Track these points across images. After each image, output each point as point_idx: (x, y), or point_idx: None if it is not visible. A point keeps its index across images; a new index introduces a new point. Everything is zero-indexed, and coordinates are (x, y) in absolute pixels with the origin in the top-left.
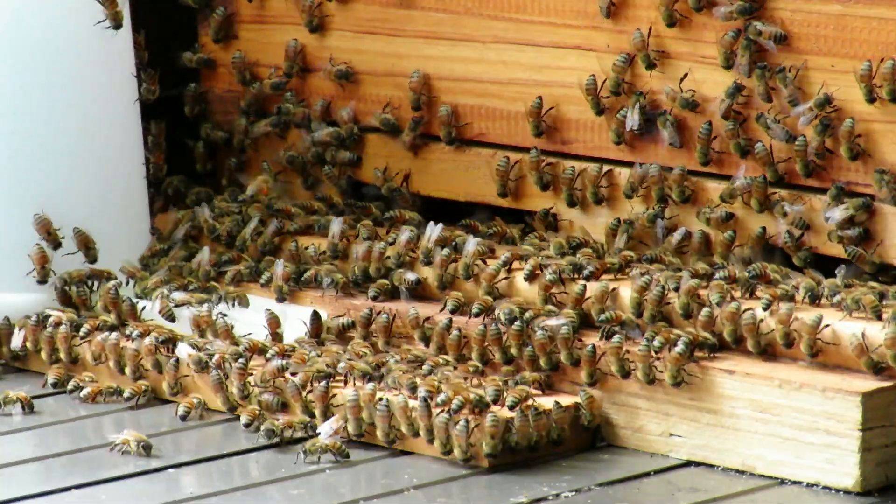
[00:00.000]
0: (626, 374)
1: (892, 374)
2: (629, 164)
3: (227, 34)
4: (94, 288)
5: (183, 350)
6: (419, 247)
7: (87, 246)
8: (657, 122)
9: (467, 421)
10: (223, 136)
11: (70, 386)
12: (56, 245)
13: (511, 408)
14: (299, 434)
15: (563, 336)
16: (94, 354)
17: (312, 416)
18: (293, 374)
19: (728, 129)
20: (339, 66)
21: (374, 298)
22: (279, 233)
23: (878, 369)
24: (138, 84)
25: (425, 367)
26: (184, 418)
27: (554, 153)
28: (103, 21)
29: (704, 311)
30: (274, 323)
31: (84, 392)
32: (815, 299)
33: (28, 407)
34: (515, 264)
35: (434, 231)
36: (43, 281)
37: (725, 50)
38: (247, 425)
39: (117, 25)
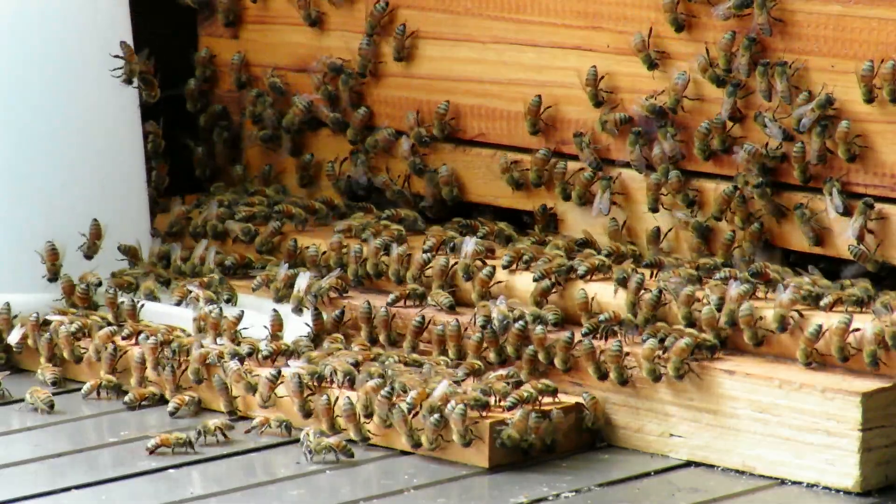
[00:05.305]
0: (624, 382)
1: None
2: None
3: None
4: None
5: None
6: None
7: (94, 241)
8: (658, 135)
9: (465, 405)
10: (220, 109)
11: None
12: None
13: (510, 408)
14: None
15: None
16: (95, 351)
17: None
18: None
19: (717, 122)
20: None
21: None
22: (278, 232)
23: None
24: (139, 93)
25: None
26: (173, 414)
27: (552, 153)
28: (118, 71)
29: (706, 309)
30: (277, 325)
31: (86, 387)
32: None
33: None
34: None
35: (469, 245)
36: (53, 279)
37: (725, 53)
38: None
39: (128, 81)
